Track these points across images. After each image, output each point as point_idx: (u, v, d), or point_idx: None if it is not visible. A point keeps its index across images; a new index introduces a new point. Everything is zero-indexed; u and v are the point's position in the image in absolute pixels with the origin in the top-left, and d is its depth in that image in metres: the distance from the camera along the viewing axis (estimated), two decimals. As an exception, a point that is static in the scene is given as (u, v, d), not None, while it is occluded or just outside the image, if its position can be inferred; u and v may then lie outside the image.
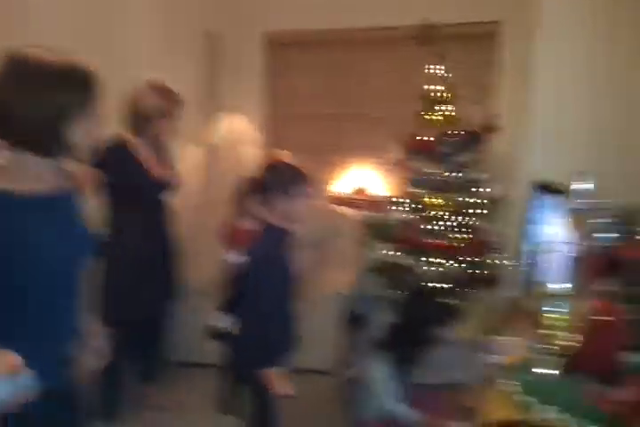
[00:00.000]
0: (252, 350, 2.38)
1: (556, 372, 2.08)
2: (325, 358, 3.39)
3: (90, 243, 1.55)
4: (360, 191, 4.41)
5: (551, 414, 1.84)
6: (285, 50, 4.71)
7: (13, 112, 1.32)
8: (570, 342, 2.13)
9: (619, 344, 2.08)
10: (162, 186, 2.89)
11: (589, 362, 2.05)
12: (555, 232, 2.54)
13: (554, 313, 2.25)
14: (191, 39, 4.37)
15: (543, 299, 2.37)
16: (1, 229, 1.33)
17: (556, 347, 2.15)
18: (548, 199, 2.67)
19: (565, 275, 2.39)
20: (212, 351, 3.43)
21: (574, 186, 2.43)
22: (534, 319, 2.39)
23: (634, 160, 3.14)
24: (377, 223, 3.68)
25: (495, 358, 2.31)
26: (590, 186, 2.40)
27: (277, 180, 2.34)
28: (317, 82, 4.63)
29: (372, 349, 2.85)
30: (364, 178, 4.45)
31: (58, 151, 1.40)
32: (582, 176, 2.42)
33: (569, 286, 2.36)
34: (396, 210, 3.70)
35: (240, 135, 4.38)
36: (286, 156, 2.49)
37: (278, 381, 2.33)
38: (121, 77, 3.98)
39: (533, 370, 2.11)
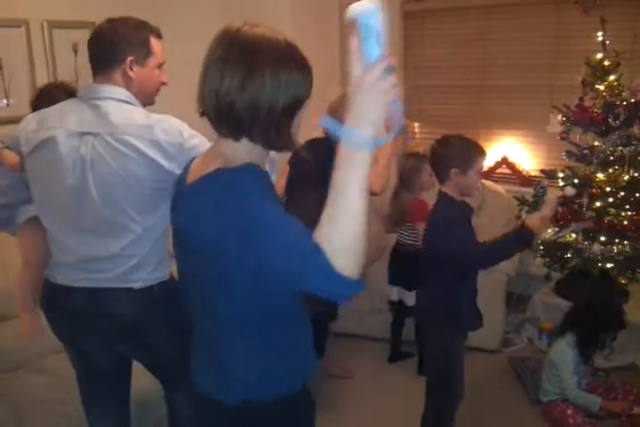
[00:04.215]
0: (439, 322, 2.33)
1: None
2: (492, 338, 3.31)
3: None
4: (507, 165, 4.23)
5: None
6: (422, 19, 4.54)
7: (237, 104, 1.10)
8: None
9: None
10: None
11: None
12: None
13: None
14: (327, 10, 4.30)
15: None
16: None
17: None
18: None
19: None
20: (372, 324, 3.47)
21: None
22: None
23: None
24: (535, 199, 3.51)
25: None
26: None
27: (453, 154, 2.23)
28: (456, 51, 4.44)
29: (555, 331, 2.75)
30: (510, 151, 4.27)
31: (285, 146, 1.18)
32: None
33: None
34: (555, 185, 3.52)
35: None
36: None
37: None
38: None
39: None
